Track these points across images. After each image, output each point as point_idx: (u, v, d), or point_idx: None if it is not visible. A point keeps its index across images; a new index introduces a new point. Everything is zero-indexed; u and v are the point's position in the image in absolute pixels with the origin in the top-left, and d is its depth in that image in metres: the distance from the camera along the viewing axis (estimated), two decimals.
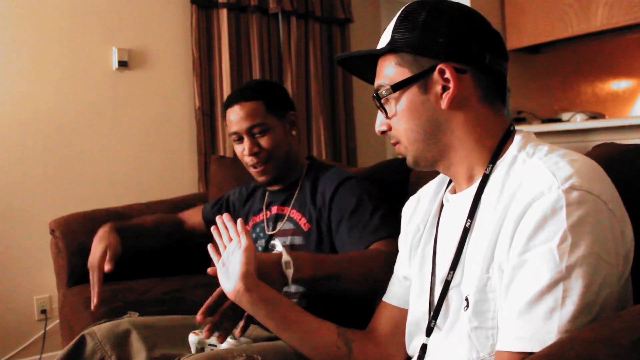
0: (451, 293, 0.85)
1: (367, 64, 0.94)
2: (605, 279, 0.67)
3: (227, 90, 2.98)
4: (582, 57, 3.45)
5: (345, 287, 1.20)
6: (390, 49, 0.87)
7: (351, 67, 0.99)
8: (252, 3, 3.05)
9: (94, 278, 1.46)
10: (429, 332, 0.88)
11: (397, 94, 0.86)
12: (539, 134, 2.65)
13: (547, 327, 0.66)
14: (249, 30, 3.09)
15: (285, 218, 1.47)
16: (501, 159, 0.83)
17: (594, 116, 2.87)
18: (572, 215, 0.68)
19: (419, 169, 0.91)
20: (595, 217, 0.69)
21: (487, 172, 0.83)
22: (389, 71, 0.87)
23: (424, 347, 0.89)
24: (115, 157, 2.79)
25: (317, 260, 1.17)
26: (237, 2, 3.01)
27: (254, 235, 1.54)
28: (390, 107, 0.88)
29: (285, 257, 1.12)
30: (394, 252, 1.11)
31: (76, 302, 1.93)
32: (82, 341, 1.26)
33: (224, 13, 2.99)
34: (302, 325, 1.06)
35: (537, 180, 0.73)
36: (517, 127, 0.89)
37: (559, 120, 2.91)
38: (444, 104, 0.83)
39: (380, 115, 0.91)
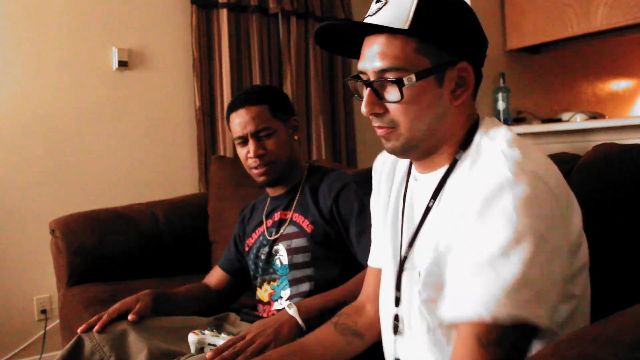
0: (407, 269, 0.89)
1: (351, 34, 0.88)
2: (548, 258, 0.71)
3: (227, 91, 2.98)
4: (582, 57, 3.45)
5: None
6: (417, 32, 0.81)
7: (329, 38, 0.91)
8: (252, 3, 3.05)
9: (109, 312, 1.33)
10: (397, 302, 0.92)
11: (417, 82, 0.83)
12: (539, 134, 2.66)
13: (492, 293, 0.69)
14: (249, 30, 3.09)
15: (288, 222, 1.48)
16: (470, 147, 0.87)
17: (594, 116, 2.87)
18: (517, 194, 0.71)
19: (400, 156, 0.93)
20: (540, 198, 0.72)
21: (458, 157, 0.86)
22: (407, 55, 0.82)
23: (396, 317, 0.93)
24: (115, 157, 2.79)
25: (325, 305, 1.26)
26: (237, 2, 3.01)
27: (258, 244, 1.53)
28: (398, 93, 0.83)
29: (300, 322, 1.19)
30: None
31: (76, 302, 1.93)
32: (79, 342, 1.26)
33: (224, 13, 2.99)
34: (309, 356, 1.07)
35: (490, 162, 0.78)
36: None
37: (559, 120, 2.91)
38: (457, 100, 0.85)
39: (371, 95, 0.85)
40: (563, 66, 3.41)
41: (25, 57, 2.59)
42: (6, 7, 2.55)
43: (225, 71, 2.99)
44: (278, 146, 1.46)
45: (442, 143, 0.88)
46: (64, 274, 2.10)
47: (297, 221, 1.46)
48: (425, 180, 0.91)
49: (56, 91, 2.66)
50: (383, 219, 1.02)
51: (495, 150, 0.80)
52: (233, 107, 1.49)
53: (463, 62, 0.84)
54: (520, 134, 0.86)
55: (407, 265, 0.90)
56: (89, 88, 2.74)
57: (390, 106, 0.85)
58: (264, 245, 1.51)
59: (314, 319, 1.21)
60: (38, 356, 2.57)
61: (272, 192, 1.56)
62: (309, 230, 1.43)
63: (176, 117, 2.97)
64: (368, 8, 0.88)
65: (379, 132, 0.88)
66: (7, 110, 2.56)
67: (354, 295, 1.19)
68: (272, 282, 1.46)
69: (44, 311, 2.61)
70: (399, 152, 0.89)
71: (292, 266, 1.43)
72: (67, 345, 1.26)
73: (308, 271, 1.41)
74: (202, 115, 2.94)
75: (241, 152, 1.49)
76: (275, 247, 1.48)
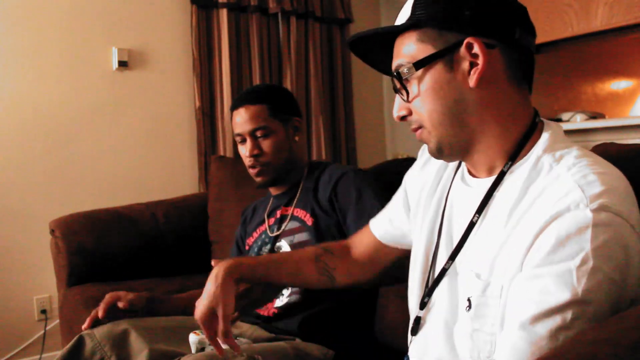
0: (445, 280, 0.85)
1: (380, 47, 0.86)
2: (618, 304, 0.65)
3: (227, 90, 2.98)
4: (582, 57, 3.44)
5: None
6: (412, 24, 0.79)
7: (363, 52, 0.90)
8: (252, 3, 3.05)
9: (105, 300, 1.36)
10: (422, 306, 0.88)
11: (420, 72, 0.79)
12: None
13: (549, 345, 0.63)
14: (249, 30, 3.09)
15: (289, 217, 1.48)
16: (524, 158, 0.78)
17: (594, 116, 2.87)
18: (597, 237, 0.64)
19: (442, 158, 0.86)
20: (621, 242, 0.65)
21: (505, 169, 0.78)
22: (410, 49, 0.80)
23: (417, 320, 0.89)
24: (115, 157, 2.79)
25: None
26: (237, 2, 3.01)
27: (260, 243, 1.54)
28: (411, 88, 0.80)
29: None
30: None
31: (76, 302, 1.93)
32: (80, 342, 1.26)
33: (224, 13, 2.99)
34: (285, 276, 1.10)
35: (564, 194, 0.68)
36: (542, 119, 0.83)
37: (559, 120, 2.90)
38: (472, 81, 0.76)
39: (398, 99, 0.83)
40: (563, 66, 3.40)
41: (25, 57, 2.59)
42: (6, 7, 2.54)
43: (225, 71, 2.98)
44: (274, 147, 1.47)
45: (481, 139, 0.80)
46: (64, 274, 2.10)
47: (299, 216, 1.47)
48: (473, 186, 0.85)
49: (56, 91, 2.66)
50: (422, 213, 0.95)
51: (569, 180, 0.69)
52: (234, 105, 1.51)
53: (469, 38, 0.76)
54: None
55: (446, 279, 0.84)
56: (89, 88, 2.74)
57: (412, 105, 0.81)
58: (266, 243, 1.51)
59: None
60: (38, 356, 2.57)
61: (273, 190, 1.57)
62: (309, 223, 1.43)
63: (176, 117, 2.96)
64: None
65: (417, 137, 0.84)
66: (7, 110, 2.55)
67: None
68: None
69: (44, 311, 2.61)
70: (436, 151, 0.83)
71: None
72: (68, 345, 1.26)
73: None
74: (202, 115, 2.94)
75: (241, 150, 1.51)
76: (277, 244, 1.48)
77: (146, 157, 2.87)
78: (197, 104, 2.94)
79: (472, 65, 0.76)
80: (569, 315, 0.63)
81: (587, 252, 0.63)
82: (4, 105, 2.55)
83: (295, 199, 1.50)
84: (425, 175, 0.98)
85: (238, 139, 1.50)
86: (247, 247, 1.59)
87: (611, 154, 1.12)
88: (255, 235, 1.57)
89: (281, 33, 3.20)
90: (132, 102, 2.84)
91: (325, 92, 3.36)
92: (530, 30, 0.81)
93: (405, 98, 0.82)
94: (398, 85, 0.82)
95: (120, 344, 1.25)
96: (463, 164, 0.89)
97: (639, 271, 0.67)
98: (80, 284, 2.05)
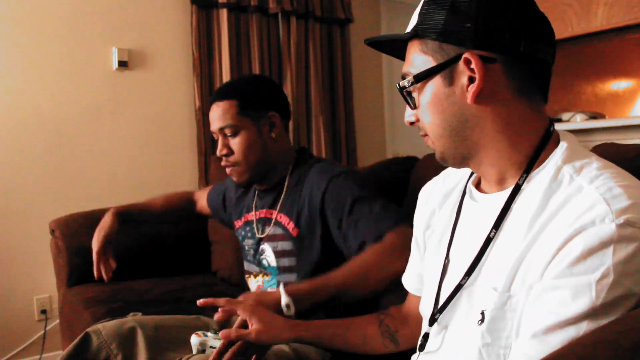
0: (460, 295, 0.82)
1: (401, 42, 0.84)
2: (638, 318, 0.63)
3: None
4: (582, 57, 3.44)
5: (355, 296, 1.20)
6: (415, 34, 0.78)
7: (383, 47, 0.90)
8: (252, 3, 3.05)
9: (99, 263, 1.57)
10: (431, 322, 0.86)
11: (420, 84, 0.78)
12: None
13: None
14: (249, 30, 3.09)
15: (273, 222, 1.43)
16: (539, 168, 0.76)
17: (594, 116, 2.87)
18: (620, 252, 0.63)
19: (448, 165, 0.85)
20: None
21: (520, 182, 0.76)
22: (415, 59, 0.79)
23: (426, 336, 0.87)
24: (115, 157, 2.79)
25: (317, 287, 1.15)
26: (237, 2, 3.01)
27: (243, 233, 1.52)
28: (415, 99, 0.80)
29: (284, 299, 1.10)
30: (404, 238, 1.11)
31: (76, 302, 1.93)
32: (86, 339, 1.25)
33: (224, 13, 2.99)
34: (348, 339, 1.06)
35: (589, 207, 0.67)
36: (558, 128, 0.81)
37: (559, 120, 2.91)
38: (469, 98, 0.74)
39: (407, 107, 0.84)
40: (563, 66, 3.40)
41: (25, 57, 2.59)
42: (6, 7, 2.54)
43: (225, 71, 2.98)
44: (243, 146, 1.38)
45: (486, 152, 0.78)
46: (64, 274, 2.10)
47: (283, 222, 1.41)
48: (484, 202, 0.83)
49: (56, 91, 2.66)
50: (429, 237, 0.95)
51: (593, 193, 0.68)
52: (210, 101, 1.47)
53: (467, 53, 0.73)
54: None
55: (463, 293, 0.81)
56: (89, 88, 2.73)
57: (418, 114, 0.81)
58: (249, 238, 1.48)
59: (302, 301, 1.13)
60: (38, 356, 2.57)
61: (257, 185, 1.50)
62: (294, 234, 1.38)
63: (176, 117, 2.96)
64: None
65: (425, 142, 0.84)
66: (7, 110, 2.55)
67: (348, 286, 1.17)
68: (265, 276, 1.45)
69: (44, 311, 2.61)
70: (441, 160, 0.83)
71: (281, 269, 1.41)
72: (74, 342, 1.25)
73: (294, 276, 1.39)
74: (202, 115, 2.94)
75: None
76: (261, 247, 1.45)
77: (146, 157, 2.87)
78: (197, 104, 2.94)
79: (471, 80, 0.74)
80: (583, 327, 0.62)
81: (608, 266, 0.62)
82: (4, 105, 2.55)
83: (280, 202, 1.43)
84: (431, 206, 0.97)
85: (215, 137, 1.45)
86: (235, 227, 1.58)
87: (611, 154, 1.12)
88: (242, 220, 1.54)
89: (281, 33, 3.20)
90: (132, 102, 2.84)
91: (325, 92, 3.36)
92: (546, 40, 0.77)
93: (412, 106, 0.82)
94: (402, 95, 0.82)
95: (127, 342, 1.25)
96: (471, 181, 0.88)
97: None
98: (80, 284, 2.05)
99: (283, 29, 3.20)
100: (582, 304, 0.63)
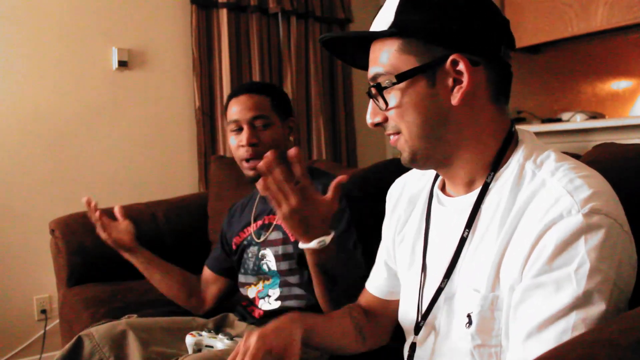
0: (442, 299, 0.82)
1: (356, 47, 0.85)
2: (617, 305, 0.66)
3: (227, 90, 2.97)
4: (582, 57, 3.45)
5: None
6: (397, 32, 0.77)
7: (335, 49, 0.90)
8: (252, 3, 3.05)
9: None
10: (417, 330, 0.86)
11: (402, 84, 0.77)
12: (539, 134, 2.64)
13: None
14: (248, 30, 3.09)
15: (273, 227, 1.44)
16: (504, 168, 0.78)
17: (594, 116, 2.87)
18: (591, 240, 0.65)
19: (414, 167, 0.85)
20: (613, 241, 0.66)
21: (488, 180, 0.78)
22: (390, 58, 0.78)
23: (413, 346, 0.88)
24: (115, 157, 2.79)
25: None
26: (237, 2, 3.01)
27: (246, 244, 1.51)
28: (390, 98, 0.79)
29: (316, 241, 1.08)
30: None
31: (76, 302, 1.93)
32: (79, 343, 1.27)
33: (224, 13, 2.99)
34: (332, 333, 1.01)
35: (554, 201, 0.69)
36: (516, 127, 0.83)
37: (559, 120, 2.91)
38: (455, 99, 0.75)
39: (372, 105, 0.83)
40: (563, 66, 3.41)
41: (25, 57, 2.59)
42: (6, 7, 2.54)
43: (225, 71, 2.98)
44: (273, 139, 1.40)
45: (459, 153, 0.80)
46: (64, 274, 2.10)
47: (283, 226, 1.40)
48: (452, 205, 0.84)
49: (56, 91, 2.66)
50: (399, 244, 0.96)
51: (556, 186, 0.70)
52: (235, 94, 1.45)
53: (454, 55, 0.74)
54: None
55: (443, 297, 0.82)
56: (89, 88, 2.73)
57: (389, 113, 0.81)
58: (253, 245, 1.48)
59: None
60: (38, 356, 2.57)
61: (261, 190, 1.52)
62: (292, 238, 1.38)
63: (176, 117, 2.96)
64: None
65: (391, 142, 0.83)
66: (7, 110, 2.55)
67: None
68: (265, 281, 1.45)
69: (44, 311, 2.61)
70: (410, 161, 0.82)
71: (282, 272, 1.41)
72: (67, 345, 1.27)
73: (296, 278, 1.39)
74: (202, 115, 2.94)
75: (232, 141, 1.43)
76: (262, 252, 1.45)
77: (146, 157, 2.87)
78: (197, 104, 2.94)
79: (456, 82, 0.75)
80: (572, 318, 0.64)
81: (582, 255, 0.65)
82: (4, 105, 2.55)
83: None
84: (398, 213, 0.97)
85: (233, 126, 1.42)
86: (234, 247, 1.54)
87: (611, 154, 1.12)
88: (242, 235, 1.54)
89: (281, 33, 3.20)
90: (132, 102, 2.84)
91: (325, 92, 3.36)
92: (511, 44, 0.80)
93: (382, 107, 0.81)
94: (374, 92, 0.81)
95: (118, 344, 1.26)
96: (437, 185, 0.89)
97: (629, 270, 0.68)
98: (80, 284, 2.05)
99: (283, 29, 3.20)
100: (566, 295, 0.65)
